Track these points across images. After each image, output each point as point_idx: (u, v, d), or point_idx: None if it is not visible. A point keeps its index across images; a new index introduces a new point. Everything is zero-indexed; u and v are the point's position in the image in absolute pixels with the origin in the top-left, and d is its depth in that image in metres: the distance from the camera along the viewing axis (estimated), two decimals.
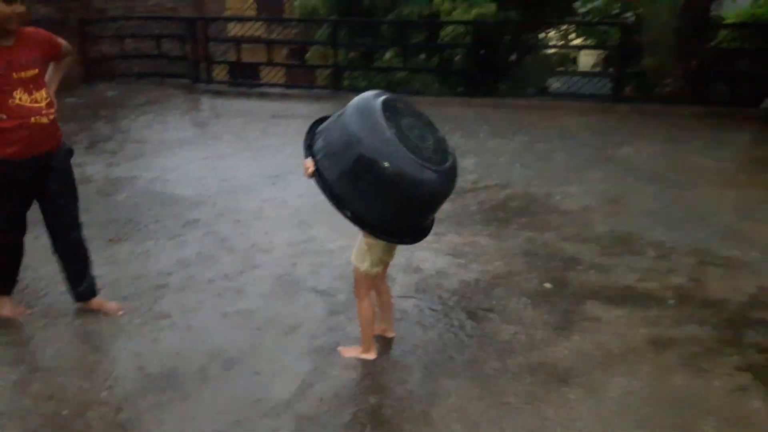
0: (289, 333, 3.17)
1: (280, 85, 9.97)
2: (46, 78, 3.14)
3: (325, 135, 2.58)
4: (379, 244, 2.70)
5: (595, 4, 11.37)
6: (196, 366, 2.90)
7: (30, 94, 2.97)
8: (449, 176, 2.54)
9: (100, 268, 3.50)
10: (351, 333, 3.09)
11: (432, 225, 2.79)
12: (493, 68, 9.99)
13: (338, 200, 2.50)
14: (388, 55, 10.73)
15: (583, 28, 11.40)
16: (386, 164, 2.37)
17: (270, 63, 9.90)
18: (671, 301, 3.46)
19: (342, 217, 2.53)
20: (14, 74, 2.92)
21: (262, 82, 10.41)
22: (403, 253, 4.03)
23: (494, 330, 3.20)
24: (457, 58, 10.46)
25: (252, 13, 17.28)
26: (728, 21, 7.56)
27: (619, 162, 5.96)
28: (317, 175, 2.52)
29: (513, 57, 10.89)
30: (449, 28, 10.28)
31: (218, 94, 9.55)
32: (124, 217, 4.65)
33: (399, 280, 3.71)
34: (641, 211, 4.74)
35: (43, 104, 3.02)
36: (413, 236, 2.70)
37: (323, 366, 2.89)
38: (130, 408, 2.63)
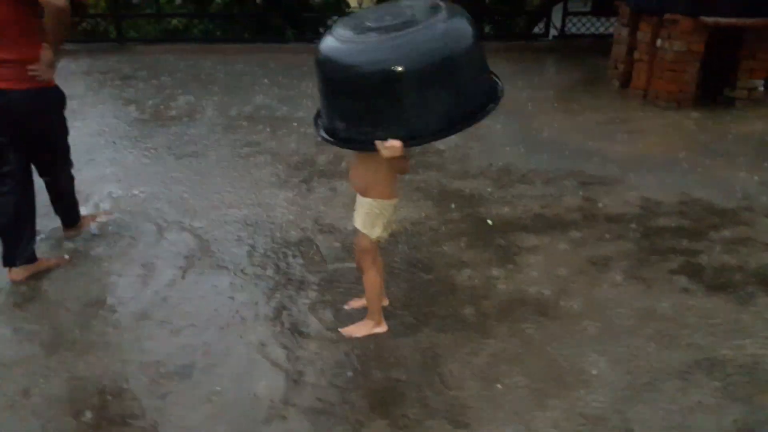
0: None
1: None
2: None
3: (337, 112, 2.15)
4: (389, 206, 2.38)
5: None
6: None
7: None
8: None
9: None
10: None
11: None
12: (280, 12, 9.52)
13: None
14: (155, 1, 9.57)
15: None
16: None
17: None
18: (583, 223, 3.64)
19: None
20: None
21: None
22: (307, 214, 3.70)
23: (447, 277, 3.06)
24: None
25: None
26: None
27: None
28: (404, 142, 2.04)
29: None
30: None
31: None
32: None
33: (322, 244, 3.36)
34: (504, 144, 4.90)
35: None
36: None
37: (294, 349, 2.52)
38: None
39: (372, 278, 2.53)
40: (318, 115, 2.33)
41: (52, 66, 2.83)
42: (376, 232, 2.42)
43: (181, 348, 2.55)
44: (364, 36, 2.04)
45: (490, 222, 3.60)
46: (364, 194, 2.39)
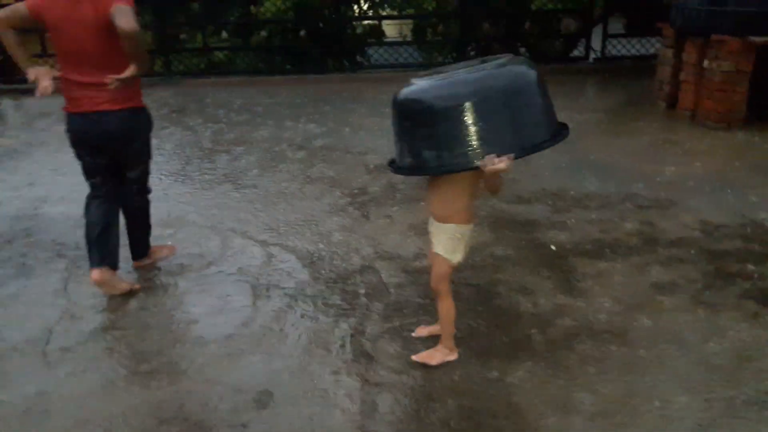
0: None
1: None
2: None
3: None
4: (469, 230, 2.45)
5: None
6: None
7: None
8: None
9: None
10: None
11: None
12: (320, 44, 9.73)
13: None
14: (201, 36, 9.85)
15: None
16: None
17: None
18: (644, 248, 3.62)
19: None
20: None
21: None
22: (366, 241, 3.76)
23: (511, 304, 3.07)
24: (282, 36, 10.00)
25: None
26: None
27: None
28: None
29: (335, 31, 10.63)
30: (268, 4, 9.72)
31: (25, 93, 8.07)
32: None
33: (383, 271, 3.40)
34: (553, 168, 4.91)
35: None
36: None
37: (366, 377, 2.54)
38: None
39: (449, 304, 2.56)
40: (392, 160, 2.44)
41: (132, 80, 2.94)
42: (457, 257, 2.47)
43: (253, 376, 2.60)
44: (444, 76, 2.28)
45: (553, 248, 3.60)
46: (446, 220, 2.44)
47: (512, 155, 2.11)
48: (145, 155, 3.32)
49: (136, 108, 3.14)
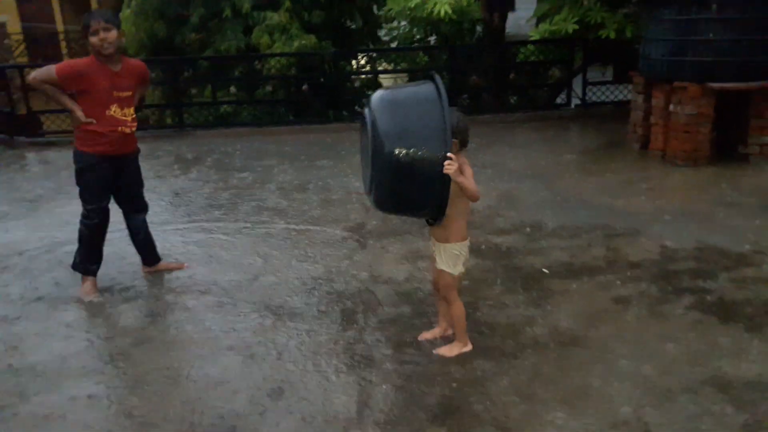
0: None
1: None
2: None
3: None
4: (465, 246, 3.03)
5: (400, 31, 12.36)
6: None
7: (122, 109, 3.83)
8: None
9: None
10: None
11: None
12: (321, 96, 10.42)
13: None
14: (211, 91, 10.58)
15: (390, 54, 12.27)
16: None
17: None
18: (607, 269, 4.11)
19: None
20: (114, 93, 3.77)
21: None
22: (364, 267, 4.25)
23: (491, 316, 3.55)
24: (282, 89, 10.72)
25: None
26: (533, 38, 8.83)
27: (488, 166, 6.67)
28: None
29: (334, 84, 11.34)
30: (273, 61, 10.44)
31: (49, 146, 8.70)
32: None
33: (379, 292, 3.89)
34: (534, 203, 5.45)
35: (129, 118, 3.88)
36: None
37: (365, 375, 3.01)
38: None
39: (458, 307, 3.10)
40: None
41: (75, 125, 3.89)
42: (458, 269, 3.04)
43: (269, 377, 3.06)
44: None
45: (545, 270, 4.10)
46: (446, 241, 3.00)
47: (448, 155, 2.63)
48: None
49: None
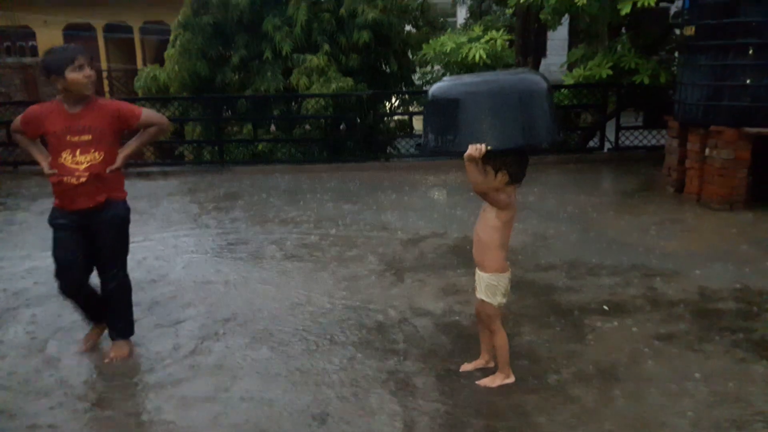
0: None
1: (156, 164, 9.67)
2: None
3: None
4: (504, 278, 3.05)
5: (433, 75, 12.63)
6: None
7: (74, 156, 3.33)
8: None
9: None
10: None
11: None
12: (356, 136, 10.64)
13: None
14: (252, 128, 10.88)
15: (423, 97, 12.54)
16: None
17: None
18: (647, 307, 4.12)
19: None
20: (68, 137, 3.32)
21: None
22: (403, 299, 4.31)
23: (531, 349, 3.57)
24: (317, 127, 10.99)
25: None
26: (567, 83, 8.97)
27: (525, 206, 6.72)
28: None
29: (369, 125, 11.58)
30: (312, 101, 10.72)
31: None
32: None
33: (418, 324, 3.94)
34: (568, 243, 5.48)
35: (81, 167, 3.34)
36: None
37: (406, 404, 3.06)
38: None
39: (502, 337, 3.13)
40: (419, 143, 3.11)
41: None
42: (497, 300, 3.05)
43: (315, 401, 3.12)
44: (459, 78, 2.92)
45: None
46: (483, 269, 3.04)
47: (484, 146, 2.66)
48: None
49: None
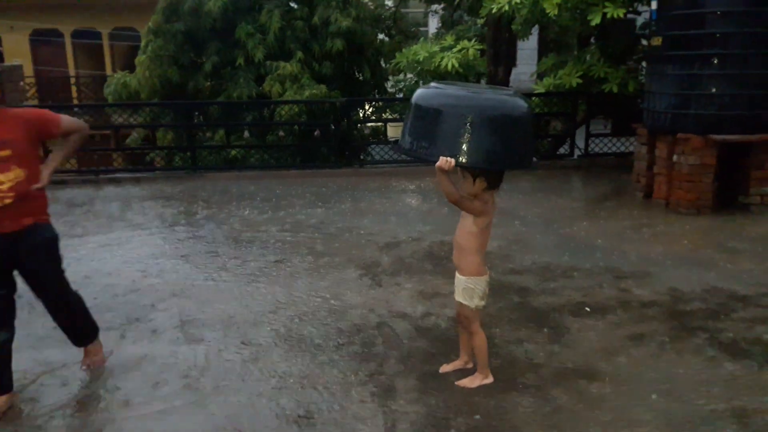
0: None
1: (127, 170, 9.55)
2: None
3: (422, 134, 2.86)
4: (482, 281, 3.09)
5: (405, 83, 12.74)
6: None
7: None
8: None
9: None
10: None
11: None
12: (329, 143, 10.65)
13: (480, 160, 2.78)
14: (225, 134, 10.82)
15: (397, 104, 12.61)
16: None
17: (117, 149, 9.46)
18: (618, 309, 4.21)
19: None
20: None
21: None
22: (381, 303, 4.33)
23: (507, 351, 3.63)
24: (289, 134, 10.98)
25: None
26: (538, 91, 9.11)
27: (498, 211, 6.78)
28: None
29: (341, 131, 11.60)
30: (286, 108, 10.71)
31: (60, 184, 8.83)
32: None
33: (397, 326, 3.97)
34: (543, 246, 5.56)
35: (4, 187, 2.99)
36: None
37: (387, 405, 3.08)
38: None
39: (480, 338, 3.17)
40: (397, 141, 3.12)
41: None
42: (475, 302, 3.10)
43: (298, 403, 3.13)
44: (445, 88, 2.92)
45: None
46: (460, 272, 3.09)
47: (454, 161, 2.71)
48: None
49: None
